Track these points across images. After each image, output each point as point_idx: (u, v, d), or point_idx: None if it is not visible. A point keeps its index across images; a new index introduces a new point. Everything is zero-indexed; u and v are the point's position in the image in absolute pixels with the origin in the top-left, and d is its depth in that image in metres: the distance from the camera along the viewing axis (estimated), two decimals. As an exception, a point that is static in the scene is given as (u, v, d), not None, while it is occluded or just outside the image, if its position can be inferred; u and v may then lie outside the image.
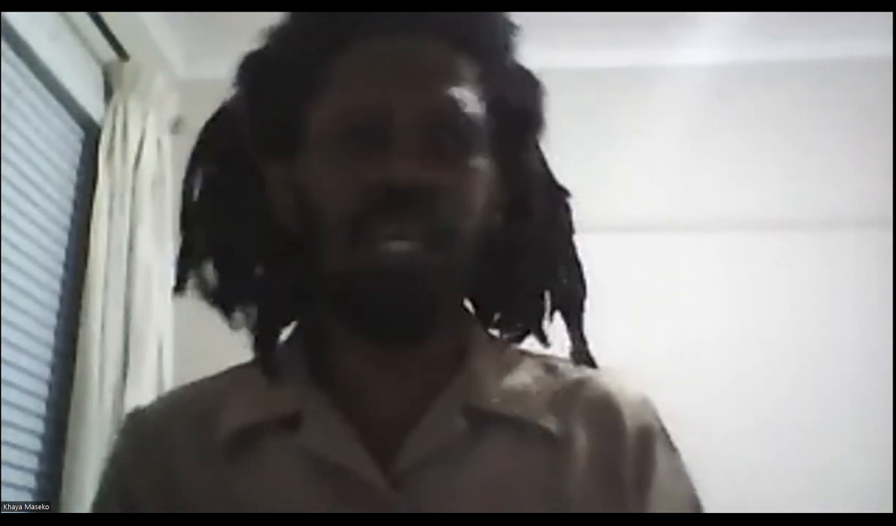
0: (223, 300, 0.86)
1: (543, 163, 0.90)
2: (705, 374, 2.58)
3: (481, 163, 0.80)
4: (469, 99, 0.80)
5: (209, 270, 0.86)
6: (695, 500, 0.85)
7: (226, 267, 0.86)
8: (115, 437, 0.89)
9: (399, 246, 0.75)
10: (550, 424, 0.81)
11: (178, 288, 0.88)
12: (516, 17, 0.86)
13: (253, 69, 0.85)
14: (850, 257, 2.69)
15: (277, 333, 0.87)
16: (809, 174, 2.76)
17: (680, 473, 0.85)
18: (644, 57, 2.73)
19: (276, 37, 0.85)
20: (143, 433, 0.86)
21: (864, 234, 2.68)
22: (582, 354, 0.88)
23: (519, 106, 0.85)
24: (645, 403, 0.87)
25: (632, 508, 0.80)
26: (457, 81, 0.80)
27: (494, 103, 0.82)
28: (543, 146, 0.91)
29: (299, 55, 0.82)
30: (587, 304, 0.90)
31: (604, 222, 2.64)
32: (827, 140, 2.77)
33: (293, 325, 0.89)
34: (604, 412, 0.84)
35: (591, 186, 2.63)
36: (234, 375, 0.88)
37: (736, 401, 2.56)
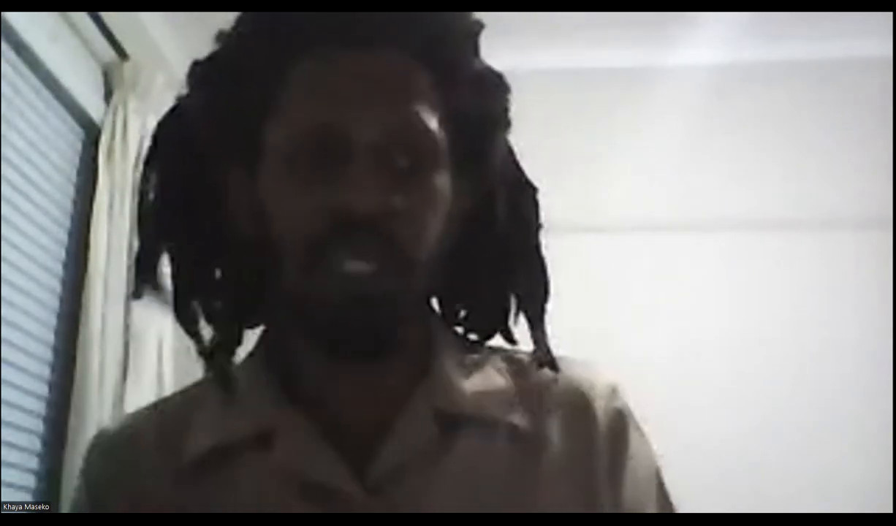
0: (182, 309, 0.85)
1: (511, 160, 0.89)
2: (705, 374, 2.58)
3: (440, 179, 0.78)
4: (427, 115, 0.77)
5: (168, 275, 0.85)
6: (660, 478, 0.86)
7: (183, 272, 0.85)
8: (82, 463, 0.87)
9: (357, 268, 0.74)
10: (521, 421, 0.81)
11: (137, 294, 0.86)
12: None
13: (208, 74, 0.83)
14: (850, 257, 2.69)
15: (235, 342, 0.85)
16: (809, 174, 2.76)
17: (649, 457, 0.85)
18: (644, 57, 2.72)
19: (232, 41, 0.82)
20: (111, 456, 0.85)
21: (864, 234, 2.68)
22: (545, 357, 0.86)
23: (479, 111, 0.82)
24: (614, 393, 0.86)
25: (604, 498, 0.80)
26: (415, 97, 0.77)
27: (454, 111, 0.80)
28: (515, 143, 0.89)
29: (255, 62, 0.79)
30: (548, 305, 0.88)
31: (604, 222, 2.64)
32: (827, 140, 2.77)
33: (255, 338, 0.88)
34: (575, 406, 0.84)
35: (591, 186, 2.64)
36: (194, 392, 0.87)
37: (736, 401, 2.56)
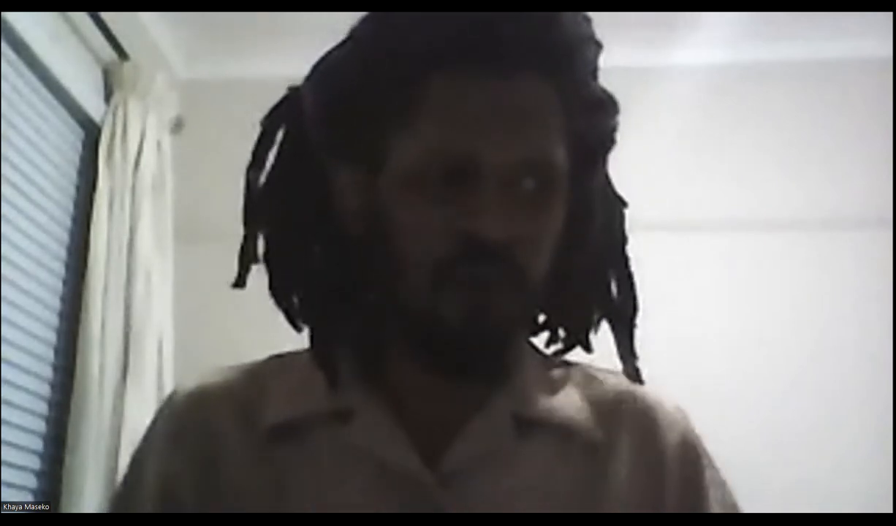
0: (283, 298, 0.86)
1: (606, 176, 0.90)
2: (705, 373, 2.58)
3: (559, 203, 0.81)
4: (555, 142, 0.79)
5: (270, 266, 0.86)
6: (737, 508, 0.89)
7: (285, 264, 0.86)
8: (154, 416, 0.90)
9: (483, 290, 0.76)
10: (594, 434, 0.83)
11: (238, 283, 0.87)
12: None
13: (333, 72, 0.83)
14: (850, 257, 2.69)
15: (335, 331, 0.87)
16: (809, 174, 2.76)
17: (724, 486, 0.88)
18: (644, 57, 2.72)
19: (361, 45, 0.82)
20: (183, 415, 0.86)
21: (864, 234, 2.68)
22: (631, 369, 0.88)
23: (595, 133, 0.85)
24: (685, 419, 0.89)
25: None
26: (545, 124, 0.79)
27: (574, 132, 0.82)
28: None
29: (385, 73, 0.79)
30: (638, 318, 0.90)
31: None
32: (827, 140, 2.77)
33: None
34: (645, 426, 0.86)
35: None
36: (279, 362, 0.89)
37: (735, 401, 2.56)
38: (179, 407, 0.87)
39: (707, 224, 2.73)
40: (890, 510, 2.36)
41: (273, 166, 0.87)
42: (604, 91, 0.86)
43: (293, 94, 0.87)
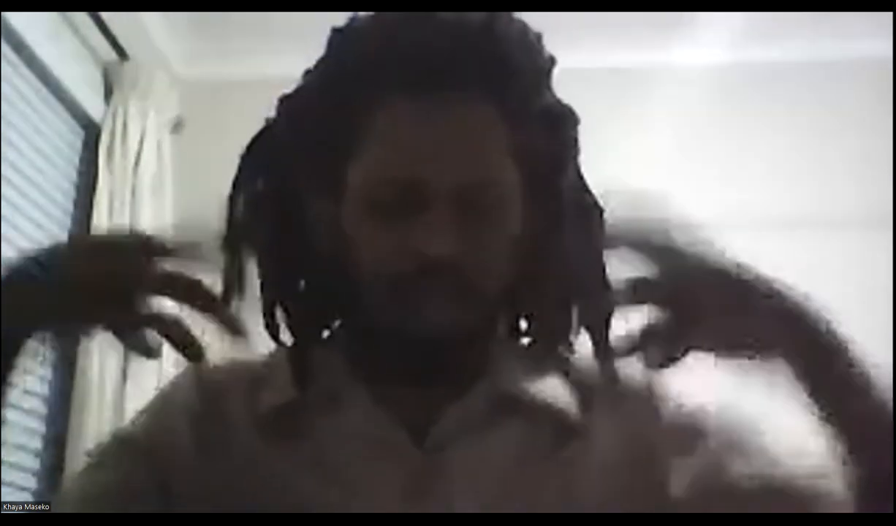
0: (268, 316, 0.89)
1: (580, 184, 0.93)
2: (705, 374, 2.57)
3: (511, 217, 0.84)
4: (501, 158, 0.83)
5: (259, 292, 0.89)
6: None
7: (271, 283, 0.89)
8: (170, 382, 0.93)
9: (434, 305, 0.81)
10: (573, 418, 0.86)
11: (226, 301, 0.89)
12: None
13: (293, 111, 0.88)
14: (850, 257, 2.68)
15: (314, 342, 0.90)
16: (809, 174, 2.76)
17: (716, 456, 0.93)
18: (644, 57, 2.72)
19: (313, 80, 0.87)
20: (202, 386, 0.89)
21: (864, 234, 2.67)
22: (608, 371, 0.88)
23: (549, 145, 0.87)
24: (673, 400, 0.91)
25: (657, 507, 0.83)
26: (490, 142, 0.83)
27: (527, 147, 0.84)
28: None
29: (335, 104, 0.84)
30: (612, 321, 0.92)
31: (604, 222, 2.64)
32: (827, 140, 2.77)
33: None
34: (628, 411, 0.87)
35: (590, 187, 2.62)
36: (278, 356, 0.91)
37: (736, 401, 2.56)
38: (195, 378, 0.90)
39: (706, 224, 2.73)
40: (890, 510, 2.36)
41: (253, 195, 0.90)
42: (558, 102, 0.89)
43: (269, 127, 0.91)
